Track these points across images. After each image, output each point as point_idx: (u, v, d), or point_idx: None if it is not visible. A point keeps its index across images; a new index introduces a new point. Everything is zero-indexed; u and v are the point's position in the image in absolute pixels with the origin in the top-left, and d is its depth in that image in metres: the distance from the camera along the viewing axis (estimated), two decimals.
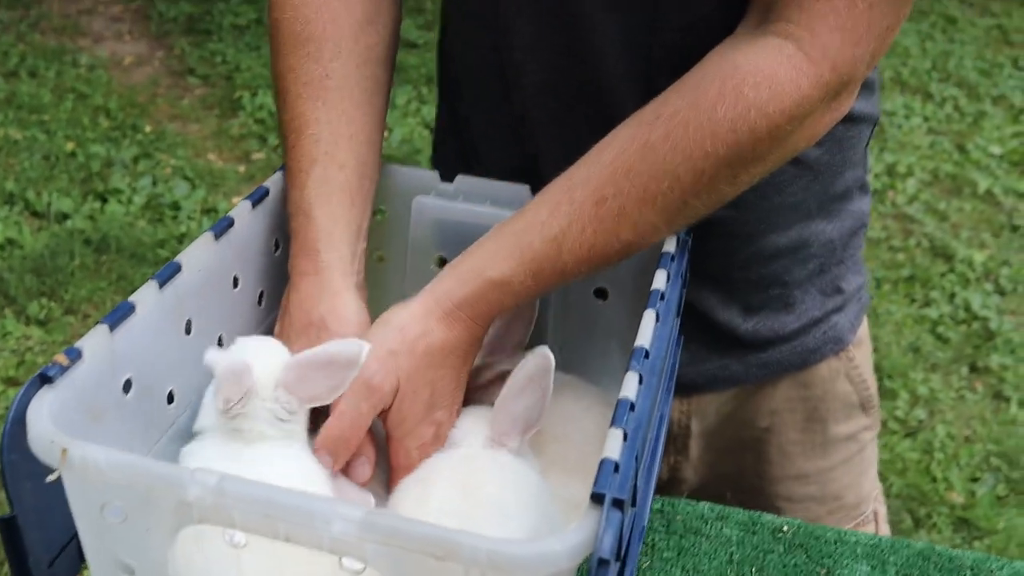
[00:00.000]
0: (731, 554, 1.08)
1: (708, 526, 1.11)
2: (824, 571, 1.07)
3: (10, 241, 3.55)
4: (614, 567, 0.65)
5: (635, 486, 0.72)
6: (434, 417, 0.94)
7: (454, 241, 1.07)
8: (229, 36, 5.14)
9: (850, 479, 1.31)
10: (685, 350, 1.14)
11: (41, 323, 3.20)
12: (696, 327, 1.14)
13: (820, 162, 1.12)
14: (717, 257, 1.12)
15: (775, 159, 0.93)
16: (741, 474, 1.28)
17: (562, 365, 1.12)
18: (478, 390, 1.02)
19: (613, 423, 0.72)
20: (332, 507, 0.64)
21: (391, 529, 0.64)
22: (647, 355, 0.80)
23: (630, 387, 0.76)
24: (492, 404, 0.94)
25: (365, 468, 0.93)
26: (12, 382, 2.93)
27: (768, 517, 1.14)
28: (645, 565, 1.06)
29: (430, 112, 4.68)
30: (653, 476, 0.92)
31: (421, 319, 0.93)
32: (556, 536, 0.63)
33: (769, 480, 1.28)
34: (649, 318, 0.85)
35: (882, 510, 1.37)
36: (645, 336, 0.82)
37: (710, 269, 1.12)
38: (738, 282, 1.16)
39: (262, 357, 0.90)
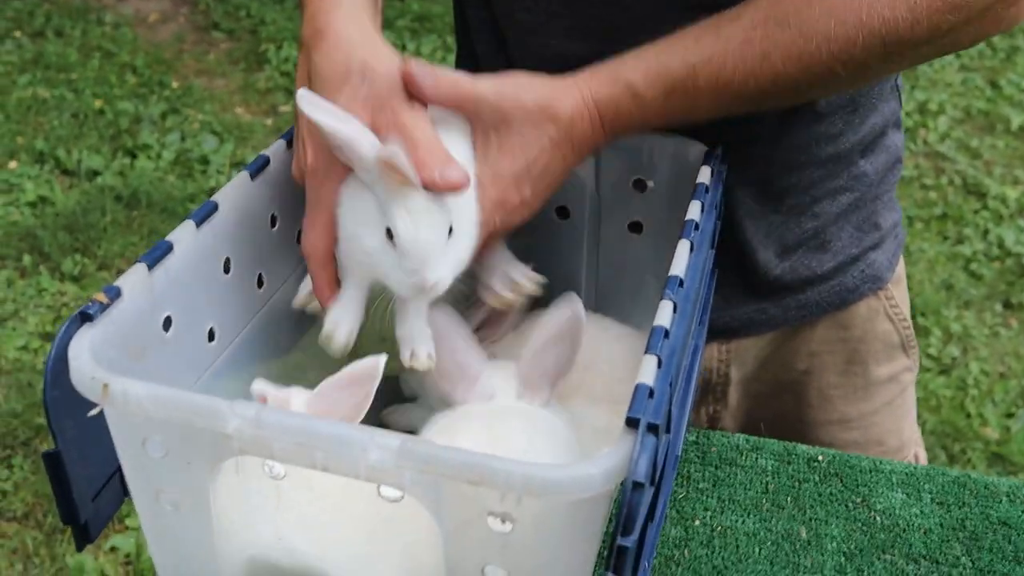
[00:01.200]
0: (766, 484, 1.09)
1: (743, 457, 1.12)
2: (860, 499, 1.07)
3: (42, 199, 3.57)
4: (648, 492, 0.66)
5: (669, 413, 0.72)
6: (523, 190, 0.91)
7: None
8: None
9: (892, 423, 1.30)
10: (721, 296, 1.14)
11: (75, 279, 3.22)
12: (733, 271, 1.14)
13: (859, 93, 1.11)
14: (754, 186, 1.11)
15: (930, 50, 0.91)
16: (781, 420, 1.28)
17: (596, 302, 1.13)
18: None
19: (648, 350, 0.72)
20: (369, 436, 0.65)
21: (428, 456, 0.64)
22: (681, 284, 0.80)
23: (664, 315, 0.76)
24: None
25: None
26: (48, 337, 2.96)
27: (803, 448, 1.14)
28: (681, 495, 1.07)
29: (451, 59, 4.66)
30: (687, 405, 0.92)
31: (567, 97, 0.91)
32: (591, 460, 0.63)
33: (810, 425, 1.27)
34: (684, 248, 0.84)
35: (923, 454, 1.37)
36: (680, 265, 0.82)
37: (747, 202, 1.11)
38: (773, 218, 1.15)
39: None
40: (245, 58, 4.59)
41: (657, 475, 0.70)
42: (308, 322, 1.02)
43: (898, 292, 1.25)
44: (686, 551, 1.01)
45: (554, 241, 1.09)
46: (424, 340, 0.90)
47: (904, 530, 1.03)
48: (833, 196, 1.17)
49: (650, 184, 1.06)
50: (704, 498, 1.07)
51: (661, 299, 0.78)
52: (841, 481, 1.10)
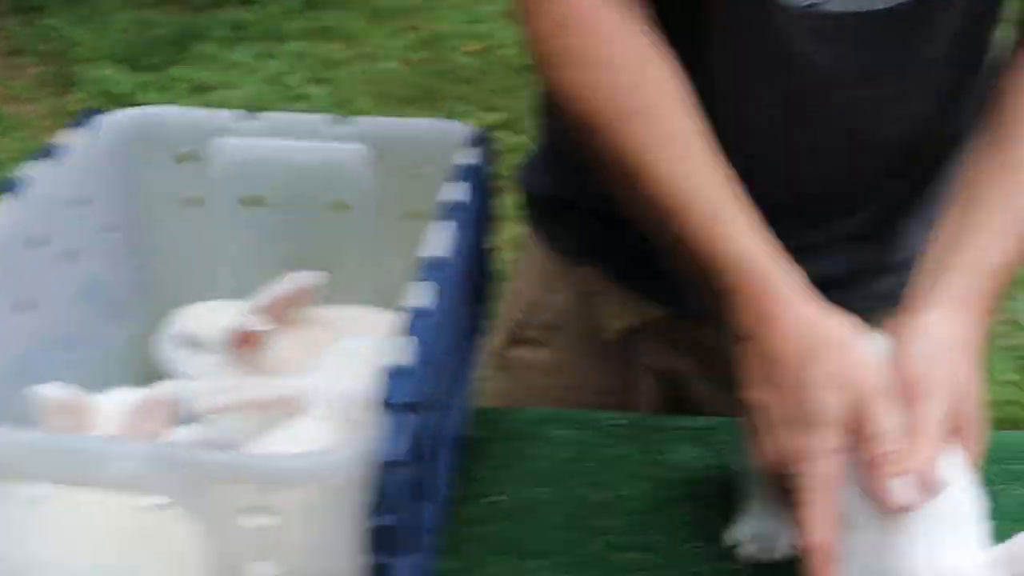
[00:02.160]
0: (564, 454, 1.11)
1: (541, 428, 1.14)
2: (653, 459, 1.10)
3: None
4: (408, 471, 0.67)
5: (433, 392, 0.73)
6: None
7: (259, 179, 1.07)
8: (62, 11, 4.98)
9: None
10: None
11: None
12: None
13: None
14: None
15: None
16: None
17: (381, 294, 1.14)
18: None
19: (402, 331, 0.73)
20: (112, 445, 0.65)
21: (174, 460, 0.64)
22: (439, 264, 0.81)
23: (420, 295, 0.77)
24: None
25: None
26: None
27: (603, 414, 1.16)
28: (480, 473, 1.08)
29: (276, 67, 4.61)
30: (463, 384, 0.93)
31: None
32: (341, 445, 0.64)
33: None
34: (443, 228, 0.86)
35: None
36: (438, 245, 0.83)
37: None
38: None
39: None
40: (54, 81, 4.46)
41: (421, 453, 0.71)
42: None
43: None
44: (484, 527, 1.02)
45: (334, 236, 1.09)
46: None
47: (696, 482, 1.07)
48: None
49: (427, 170, 1.06)
50: (503, 474, 1.08)
51: (418, 280, 0.79)
52: (638, 442, 1.13)
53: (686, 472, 1.08)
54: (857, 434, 0.82)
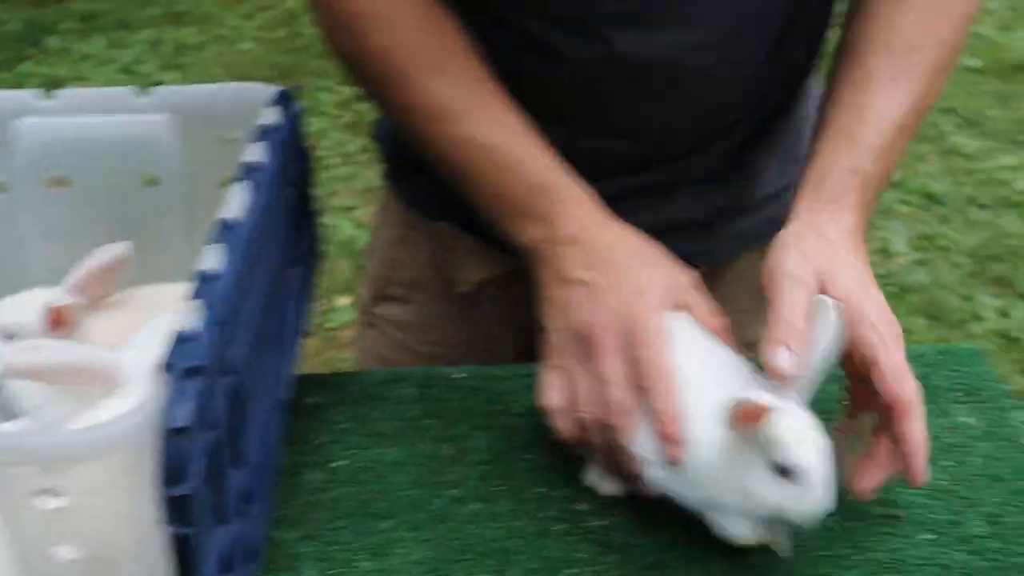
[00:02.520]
0: (410, 412, 1.10)
1: (386, 389, 1.12)
2: (501, 408, 1.10)
3: None
4: (197, 437, 0.65)
5: (224, 356, 0.71)
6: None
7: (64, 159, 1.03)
8: None
9: None
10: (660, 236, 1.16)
11: None
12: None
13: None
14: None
15: None
16: None
17: None
18: None
19: (189, 294, 0.71)
20: None
21: None
22: (233, 225, 0.79)
23: (210, 258, 0.75)
24: None
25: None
26: None
27: (446, 370, 1.15)
28: (324, 440, 1.06)
29: (129, 56, 4.50)
30: (281, 347, 0.91)
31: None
32: (117, 416, 0.62)
33: None
34: (239, 189, 0.83)
35: None
36: (232, 207, 0.81)
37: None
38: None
39: None
40: None
41: (215, 418, 0.68)
42: None
43: None
44: (329, 493, 1.01)
45: (146, 213, 1.06)
46: None
47: (542, 428, 1.06)
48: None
49: (236, 135, 1.04)
50: (347, 438, 1.07)
51: (209, 243, 0.76)
52: (484, 393, 1.12)
53: (532, 419, 1.08)
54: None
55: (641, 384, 0.89)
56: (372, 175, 3.72)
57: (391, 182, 1.31)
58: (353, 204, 3.59)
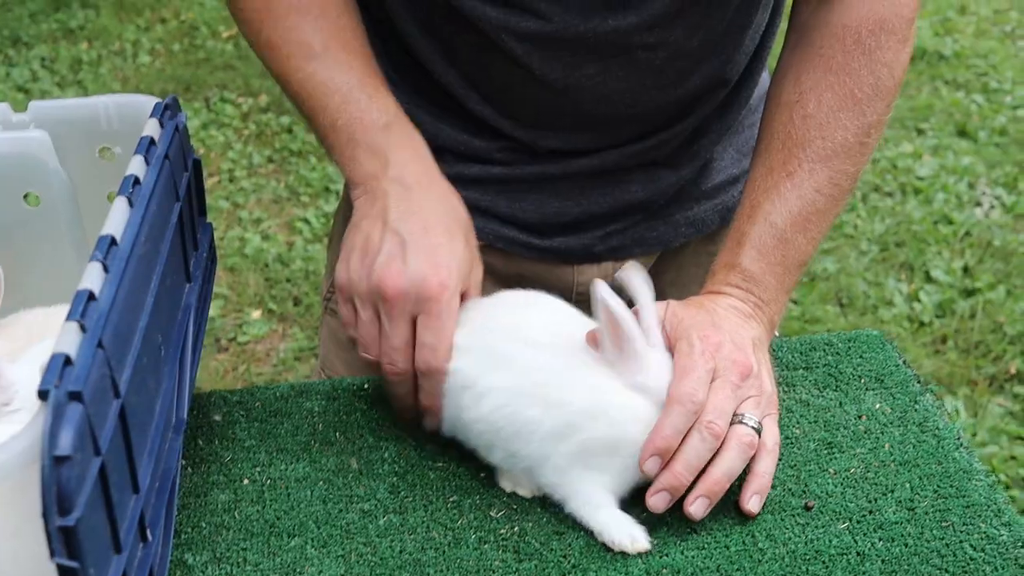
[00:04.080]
0: (315, 425, 1.07)
1: (289, 404, 1.09)
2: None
3: None
4: (85, 462, 0.61)
5: (105, 380, 0.68)
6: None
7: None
8: None
9: None
10: (615, 220, 1.20)
11: None
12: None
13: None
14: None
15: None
16: None
17: None
18: None
19: (69, 316, 0.67)
20: None
21: None
22: (114, 243, 0.76)
23: (90, 277, 0.71)
24: None
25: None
26: None
27: (349, 380, 1.13)
28: (228, 458, 1.03)
29: (22, 74, 4.39)
30: (179, 364, 0.87)
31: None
32: None
33: None
34: (119, 205, 0.80)
35: None
36: (113, 224, 0.77)
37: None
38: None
39: None
40: None
41: (98, 445, 0.65)
42: None
43: None
44: (236, 513, 0.97)
45: (30, 233, 1.02)
46: None
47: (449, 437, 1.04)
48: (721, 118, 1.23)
49: (117, 150, 1.00)
50: (252, 455, 1.04)
51: (89, 260, 0.73)
52: (389, 406, 1.09)
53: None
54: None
55: (416, 357, 0.98)
56: (278, 187, 3.68)
57: (345, 191, 1.30)
58: (261, 216, 3.53)
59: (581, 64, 1.09)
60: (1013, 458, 2.58)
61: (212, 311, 3.12)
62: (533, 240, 1.20)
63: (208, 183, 3.70)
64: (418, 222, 0.99)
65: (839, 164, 1.06)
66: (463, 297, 1.00)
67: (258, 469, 1.02)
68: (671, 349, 0.97)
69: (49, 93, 4.29)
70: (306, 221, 3.49)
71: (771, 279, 1.04)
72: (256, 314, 3.14)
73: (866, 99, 1.06)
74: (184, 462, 1.02)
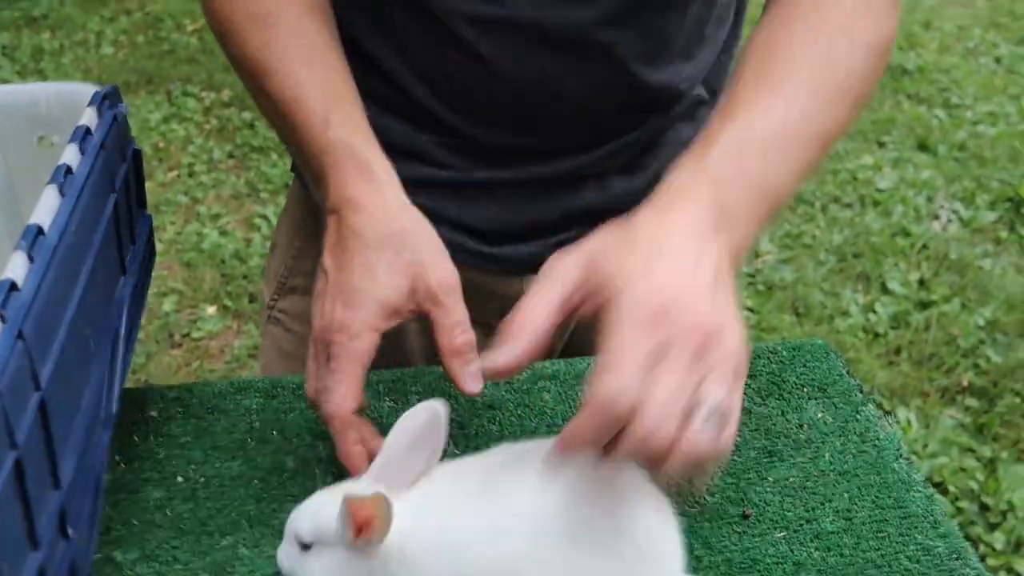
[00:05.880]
0: (251, 423, 1.05)
1: (227, 401, 1.08)
2: None
3: None
4: (2, 455, 0.60)
5: (34, 371, 0.66)
6: None
7: None
8: None
9: None
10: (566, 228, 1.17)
11: None
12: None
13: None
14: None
15: None
16: None
17: None
18: None
19: None
20: None
21: None
22: (41, 232, 0.74)
23: (14, 267, 0.70)
24: None
25: None
26: None
27: (289, 378, 1.11)
28: (161, 455, 1.02)
29: None
30: (102, 361, 0.86)
31: None
32: None
33: None
34: (49, 194, 0.78)
35: None
36: (41, 213, 0.76)
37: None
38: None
39: None
40: None
41: (19, 437, 0.64)
42: None
43: None
44: (168, 511, 0.96)
45: None
46: None
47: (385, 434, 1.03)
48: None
49: (55, 140, 0.99)
50: (187, 452, 1.02)
51: (14, 250, 0.71)
52: None
53: (378, 426, 1.04)
54: (433, 323, 0.91)
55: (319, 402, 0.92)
56: (238, 182, 3.65)
57: (295, 171, 1.29)
58: (219, 212, 3.51)
59: (534, 55, 1.08)
60: (963, 470, 2.60)
61: (166, 306, 3.10)
62: (482, 248, 1.19)
63: (167, 177, 3.67)
64: (343, 253, 0.93)
65: (826, 99, 0.95)
66: (430, 311, 0.92)
67: (192, 466, 1.01)
68: (593, 313, 0.77)
69: (9, 81, 4.24)
70: (264, 218, 3.47)
71: (741, 192, 0.86)
72: (211, 310, 3.12)
73: (852, 43, 0.98)
74: (117, 458, 1.01)
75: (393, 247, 0.91)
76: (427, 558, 0.77)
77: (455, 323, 0.91)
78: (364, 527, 0.74)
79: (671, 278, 0.76)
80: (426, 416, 0.81)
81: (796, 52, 0.96)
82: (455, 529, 0.78)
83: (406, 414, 0.81)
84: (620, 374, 0.71)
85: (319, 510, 0.80)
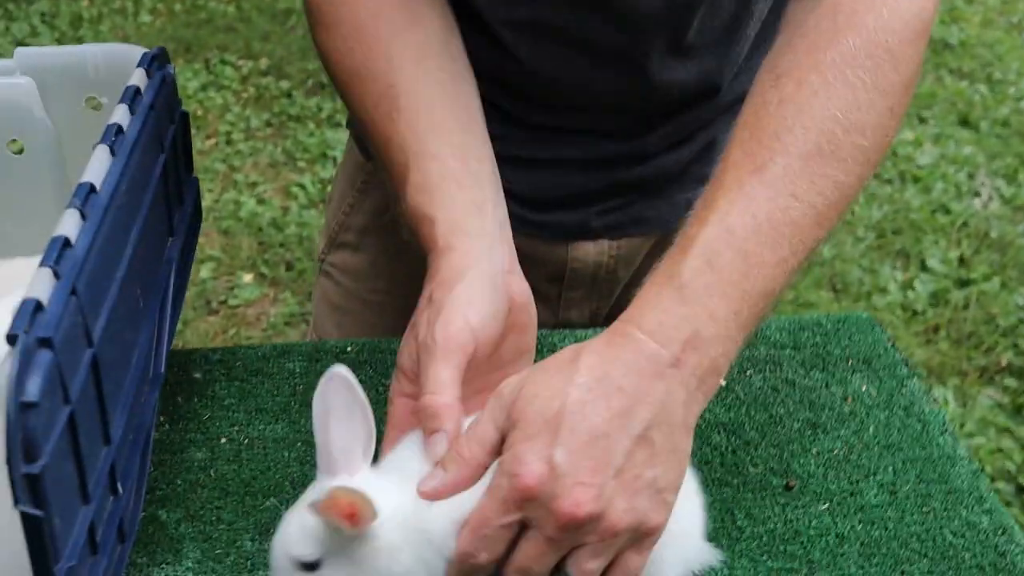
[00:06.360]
0: (295, 387, 1.06)
1: (271, 364, 1.08)
2: (389, 381, 1.06)
3: None
4: (54, 410, 0.60)
5: (76, 327, 0.67)
6: None
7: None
8: None
9: None
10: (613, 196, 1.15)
11: None
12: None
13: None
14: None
15: None
16: None
17: None
18: None
19: (43, 262, 0.66)
20: None
21: None
22: (93, 190, 0.74)
23: (67, 224, 0.70)
24: None
25: None
26: None
27: (333, 342, 1.12)
28: (206, 416, 1.02)
29: (22, 29, 4.36)
30: (148, 322, 0.86)
31: None
32: None
33: None
34: (100, 153, 0.79)
35: None
36: (93, 172, 0.76)
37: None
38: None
39: None
40: None
41: (75, 392, 0.64)
42: None
43: None
44: (212, 471, 0.97)
45: (14, 181, 1.00)
46: None
47: None
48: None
49: (104, 101, 0.99)
50: (230, 414, 1.03)
51: (66, 207, 0.72)
52: (372, 368, 1.09)
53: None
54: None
55: None
56: (275, 151, 3.66)
57: (351, 127, 1.29)
58: (256, 180, 3.51)
59: (570, 59, 1.07)
60: (1000, 450, 2.58)
61: (203, 273, 3.11)
62: (527, 214, 1.18)
63: (205, 145, 3.68)
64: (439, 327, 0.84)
65: (824, 166, 0.83)
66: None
67: (236, 428, 1.01)
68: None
69: None
70: (302, 187, 3.47)
71: (719, 303, 0.78)
72: (248, 278, 3.13)
73: (861, 86, 0.84)
74: (162, 418, 1.01)
75: (429, 317, 0.87)
76: (435, 525, 0.76)
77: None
78: (351, 516, 0.73)
79: (579, 433, 0.72)
80: (329, 387, 0.78)
81: (788, 116, 0.84)
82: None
83: (313, 400, 0.78)
84: (474, 535, 0.74)
85: (308, 527, 0.76)
